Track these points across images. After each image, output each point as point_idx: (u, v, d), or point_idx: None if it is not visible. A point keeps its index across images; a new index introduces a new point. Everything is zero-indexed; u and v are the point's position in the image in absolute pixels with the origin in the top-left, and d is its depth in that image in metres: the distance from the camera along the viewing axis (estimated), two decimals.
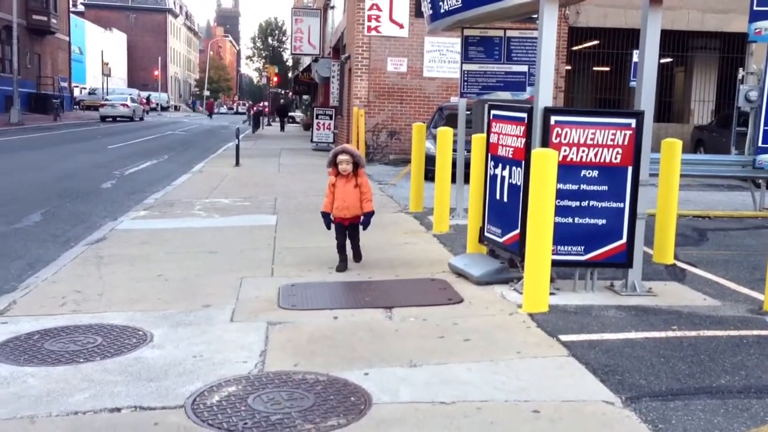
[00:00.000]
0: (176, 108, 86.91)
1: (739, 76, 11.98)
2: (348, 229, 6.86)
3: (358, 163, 6.77)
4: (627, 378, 4.16)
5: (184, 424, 3.54)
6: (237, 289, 6.05)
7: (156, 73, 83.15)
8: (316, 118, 25.40)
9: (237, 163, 17.73)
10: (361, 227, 6.92)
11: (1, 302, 5.67)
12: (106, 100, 47.75)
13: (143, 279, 6.41)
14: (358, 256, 6.97)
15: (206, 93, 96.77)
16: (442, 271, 6.75)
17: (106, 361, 4.36)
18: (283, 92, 63.40)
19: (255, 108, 51.88)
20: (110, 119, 43.79)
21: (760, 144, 9.82)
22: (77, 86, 61.67)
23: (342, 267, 6.70)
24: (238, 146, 18.33)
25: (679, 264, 7.12)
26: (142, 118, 47.69)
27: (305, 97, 55.18)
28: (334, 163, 6.75)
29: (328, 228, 6.87)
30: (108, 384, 4.01)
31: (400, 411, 3.73)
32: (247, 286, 6.16)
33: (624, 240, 5.89)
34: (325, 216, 6.85)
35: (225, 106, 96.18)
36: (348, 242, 6.92)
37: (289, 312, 5.43)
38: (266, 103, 56.24)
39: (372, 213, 6.84)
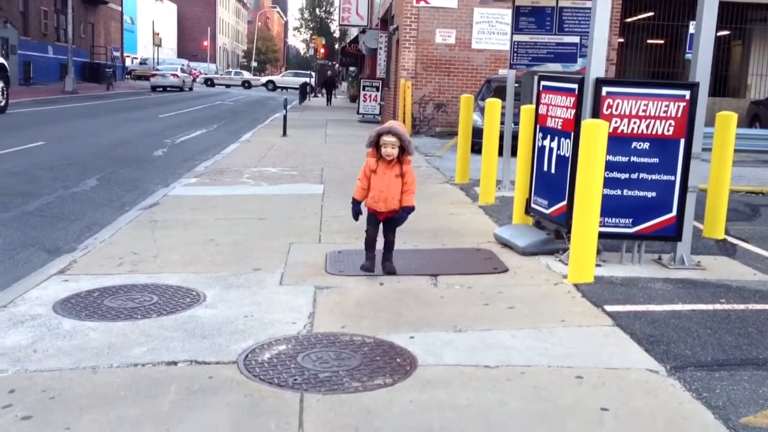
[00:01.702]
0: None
1: None
2: (382, 223, 5.70)
3: (406, 148, 5.48)
4: (672, 348, 4.17)
5: (237, 379, 3.69)
6: (285, 254, 6.20)
7: (205, 43, 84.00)
8: (363, 89, 25.43)
9: (284, 134, 17.93)
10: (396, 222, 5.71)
11: (61, 261, 5.92)
12: (157, 70, 48.49)
13: (195, 243, 6.61)
14: (390, 263, 5.64)
15: (254, 64, 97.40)
16: (487, 242, 6.79)
17: (162, 318, 4.54)
18: (329, 64, 63.36)
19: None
20: (160, 89, 44.54)
21: None
22: (129, 56, 62.81)
23: (369, 266, 5.59)
24: (285, 117, 18.52)
25: (730, 239, 7.02)
26: (191, 88, 48.36)
27: (351, 68, 55.07)
28: (376, 144, 5.49)
29: (356, 218, 5.68)
30: (164, 339, 4.19)
31: (444, 373, 3.82)
32: (295, 252, 6.30)
33: (674, 213, 5.84)
34: (356, 204, 5.63)
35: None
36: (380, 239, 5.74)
37: (336, 277, 5.55)
38: (313, 74, 56.30)
39: (412, 208, 5.62)
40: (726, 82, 23.88)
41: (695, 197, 5.91)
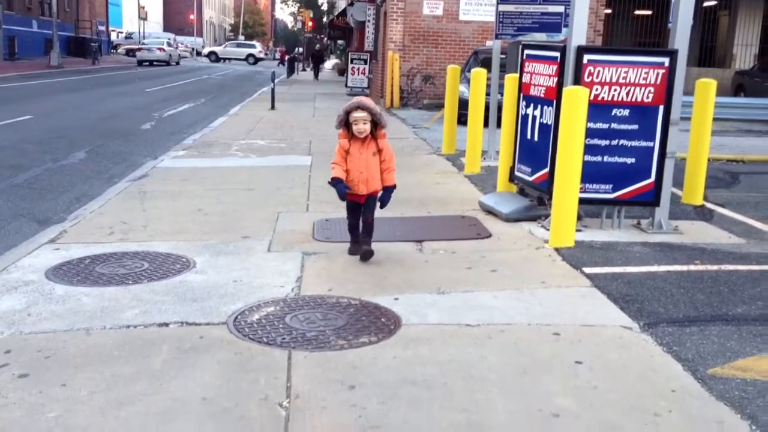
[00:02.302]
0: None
1: None
2: (362, 205, 5.26)
3: (378, 122, 5.04)
4: (646, 306, 4.34)
5: (226, 338, 3.82)
6: (274, 223, 6.31)
7: (191, 17, 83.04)
8: (351, 62, 25.37)
9: (272, 107, 17.93)
10: (378, 204, 5.27)
11: (52, 231, 6.01)
12: (143, 44, 48.03)
13: (184, 213, 6.70)
14: (368, 247, 5.18)
15: (241, 38, 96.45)
16: (472, 209, 6.92)
17: (153, 284, 4.66)
18: (317, 37, 62.88)
19: (284, 54, 51.74)
20: (147, 63, 44.19)
21: None
22: (114, 30, 62.07)
23: (355, 249, 5.28)
24: (273, 90, 18.52)
25: (708, 205, 7.18)
26: (178, 63, 47.99)
27: (339, 42, 54.73)
28: (346, 123, 5.06)
29: (343, 199, 5.21)
30: (156, 303, 4.31)
31: (428, 331, 3.96)
32: (283, 220, 6.41)
33: (652, 179, 5.98)
34: (339, 182, 5.10)
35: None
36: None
37: (324, 244, 5.67)
38: (300, 49, 55.93)
39: (394, 187, 5.24)
40: (713, 53, 23.97)
41: (673, 163, 6.05)
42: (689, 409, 3.16)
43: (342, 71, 38.57)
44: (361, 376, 3.41)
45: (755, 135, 14.18)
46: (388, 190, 5.24)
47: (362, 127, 5.02)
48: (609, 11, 21.92)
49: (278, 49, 78.84)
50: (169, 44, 47.60)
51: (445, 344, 3.80)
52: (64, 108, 16.88)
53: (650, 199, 6.01)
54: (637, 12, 25.15)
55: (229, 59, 55.54)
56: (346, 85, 25.68)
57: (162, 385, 3.30)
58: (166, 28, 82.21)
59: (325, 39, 61.58)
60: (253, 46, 56.52)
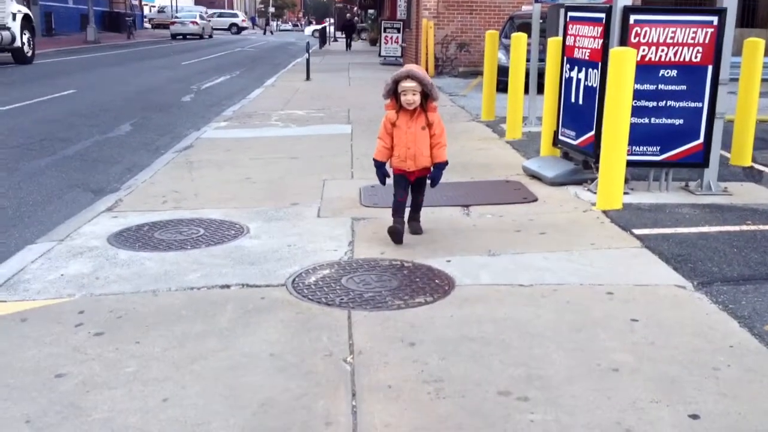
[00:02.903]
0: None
1: None
2: (412, 185, 5.01)
3: (429, 94, 4.76)
4: (699, 266, 4.35)
5: (287, 299, 3.94)
6: (320, 190, 6.41)
7: None
8: (384, 31, 25.22)
9: (308, 78, 17.99)
10: (428, 183, 5.03)
11: (108, 200, 6.20)
12: (176, 18, 48.28)
13: (232, 181, 6.84)
14: (417, 223, 5.06)
15: (271, 9, 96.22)
16: (515, 174, 6.94)
17: (211, 248, 4.80)
18: (348, 7, 62.43)
19: (318, 24, 51.63)
20: (180, 37, 44.43)
21: None
22: (146, 5, 62.41)
23: (397, 238, 4.82)
24: (308, 60, 18.57)
25: (757, 166, 7.09)
26: (211, 36, 48.19)
27: (371, 11, 54.33)
28: (394, 93, 4.76)
29: (384, 182, 5.00)
30: (215, 266, 4.45)
31: (481, 291, 4.04)
32: (329, 187, 6.51)
33: (701, 140, 5.93)
34: (380, 166, 4.93)
35: (290, 23, 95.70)
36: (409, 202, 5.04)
37: (372, 209, 5.76)
38: (332, 20, 55.70)
39: (446, 163, 4.94)
40: (755, 12, 23.30)
41: (722, 124, 5.99)
42: (748, 364, 3.20)
43: (374, 41, 38.36)
44: (420, 333, 3.51)
45: None
46: (439, 167, 4.90)
47: (411, 98, 4.70)
48: None
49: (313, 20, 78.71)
50: (201, 17, 47.76)
51: (500, 303, 3.88)
52: (105, 82, 17.15)
53: (699, 160, 5.97)
54: None
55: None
56: (379, 55, 25.60)
57: (230, 341, 3.43)
58: (198, 1, 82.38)
59: (356, 8, 61.13)
60: (235, 15, 57.32)
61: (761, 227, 5.06)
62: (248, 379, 3.09)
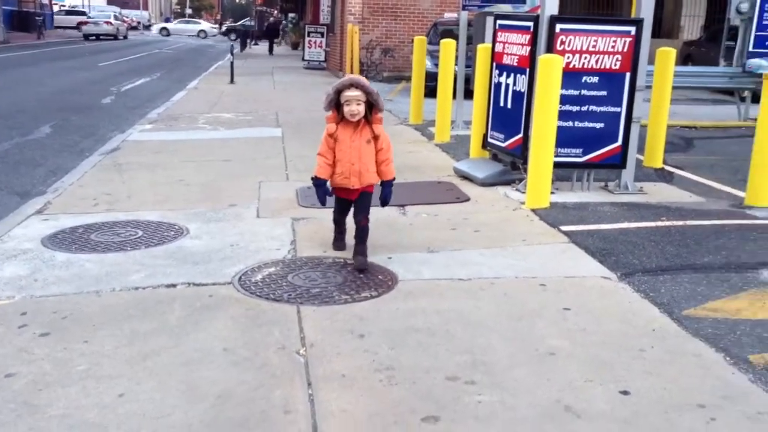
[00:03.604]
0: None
1: None
2: (354, 202, 4.59)
3: (375, 104, 4.36)
4: (622, 258, 4.67)
5: (235, 296, 4.00)
6: (257, 191, 6.45)
7: None
8: (308, 35, 25.24)
9: (232, 81, 17.82)
10: (379, 203, 4.65)
11: (36, 203, 6.05)
12: (89, 18, 46.75)
13: (165, 183, 6.79)
14: (362, 257, 4.46)
15: (188, 11, 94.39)
16: (447, 175, 7.17)
17: (152, 249, 4.79)
18: (268, 11, 61.92)
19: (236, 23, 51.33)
20: (93, 37, 43.02)
21: (751, 49, 10.27)
22: (56, 4, 60.11)
23: (340, 245, 4.73)
24: (232, 63, 18.41)
25: (668, 168, 7.59)
26: (125, 37, 46.87)
27: (291, 15, 54.12)
28: (337, 104, 4.37)
29: (323, 203, 4.62)
30: (159, 266, 4.45)
31: (424, 285, 4.22)
32: (266, 189, 6.56)
33: (619, 143, 6.31)
34: (320, 184, 4.49)
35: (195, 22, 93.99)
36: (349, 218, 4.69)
37: (310, 209, 5.85)
38: (251, 21, 55.20)
39: (393, 180, 4.60)
40: (660, 24, 24.60)
41: (638, 127, 6.39)
42: (669, 345, 3.49)
43: (295, 45, 38.17)
44: (368, 325, 3.65)
45: (703, 103, 14.78)
46: (388, 185, 4.54)
47: (355, 108, 4.30)
48: None
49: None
50: (116, 18, 46.42)
51: (442, 297, 4.06)
52: (19, 83, 16.51)
53: (617, 162, 6.35)
54: None
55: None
56: (303, 59, 25.58)
57: (181, 338, 3.47)
58: (110, 1, 79.88)
59: (276, 12, 60.73)
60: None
61: (675, 223, 5.45)
62: (203, 374, 3.15)
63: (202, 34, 59.89)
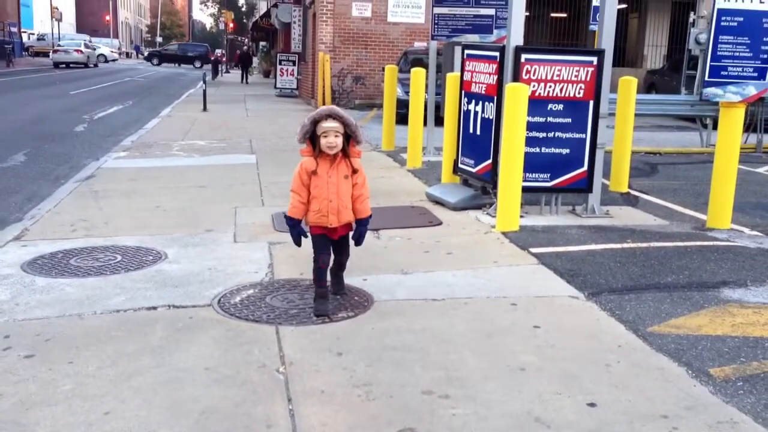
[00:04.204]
0: (128, 55, 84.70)
1: (691, 20, 12.63)
2: (334, 244, 4.30)
3: (353, 136, 4.08)
4: (589, 279, 4.86)
5: (215, 317, 4.10)
6: (233, 217, 6.56)
7: (107, 18, 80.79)
8: (280, 64, 25.53)
9: (204, 108, 17.95)
10: (352, 242, 4.35)
11: (13, 229, 6.09)
12: (59, 45, 46.60)
13: (142, 210, 6.87)
14: (341, 289, 4.47)
15: (159, 39, 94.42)
16: (419, 200, 7.36)
17: (131, 273, 4.87)
18: (239, 39, 62.32)
19: (213, 56, 51.01)
20: (63, 65, 42.87)
21: (706, 78, 10.70)
22: (25, 32, 59.75)
23: (323, 309, 4.16)
24: (205, 91, 18.55)
25: (633, 192, 7.86)
26: (96, 65, 46.77)
27: (263, 43, 54.51)
28: (311, 136, 4.06)
29: (298, 243, 4.23)
30: (139, 290, 4.54)
31: (398, 306, 4.36)
32: (242, 214, 6.68)
33: (585, 168, 6.55)
34: (294, 225, 4.18)
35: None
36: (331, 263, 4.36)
37: (286, 234, 5.78)
38: (223, 51, 55.44)
39: (370, 218, 4.30)
40: (624, 54, 25.34)
41: (603, 154, 6.65)
42: (634, 360, 3.67)
43: (267, 73, 38.41)
44: (346, 344, 3.77)
45: (667, 130, 15.25)
46: (363, 223, 4.24)
47: (333, 140, 3.99)
48: (527, 13, 22.90)
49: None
50: (86, 46, 46.32)
51: (416, 316, 4.20)
52: None
53: (584, 186, 6.59)
54: (553, 14, 26.33)
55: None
56: (275, 87, 25.81)
57: (164, 358, 3.56)
58: (80, 29, 79.59)
59: (247, 40, 61.13)
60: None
61: (640, 245, 5.68)
62: (187, 392, 3.24)
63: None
